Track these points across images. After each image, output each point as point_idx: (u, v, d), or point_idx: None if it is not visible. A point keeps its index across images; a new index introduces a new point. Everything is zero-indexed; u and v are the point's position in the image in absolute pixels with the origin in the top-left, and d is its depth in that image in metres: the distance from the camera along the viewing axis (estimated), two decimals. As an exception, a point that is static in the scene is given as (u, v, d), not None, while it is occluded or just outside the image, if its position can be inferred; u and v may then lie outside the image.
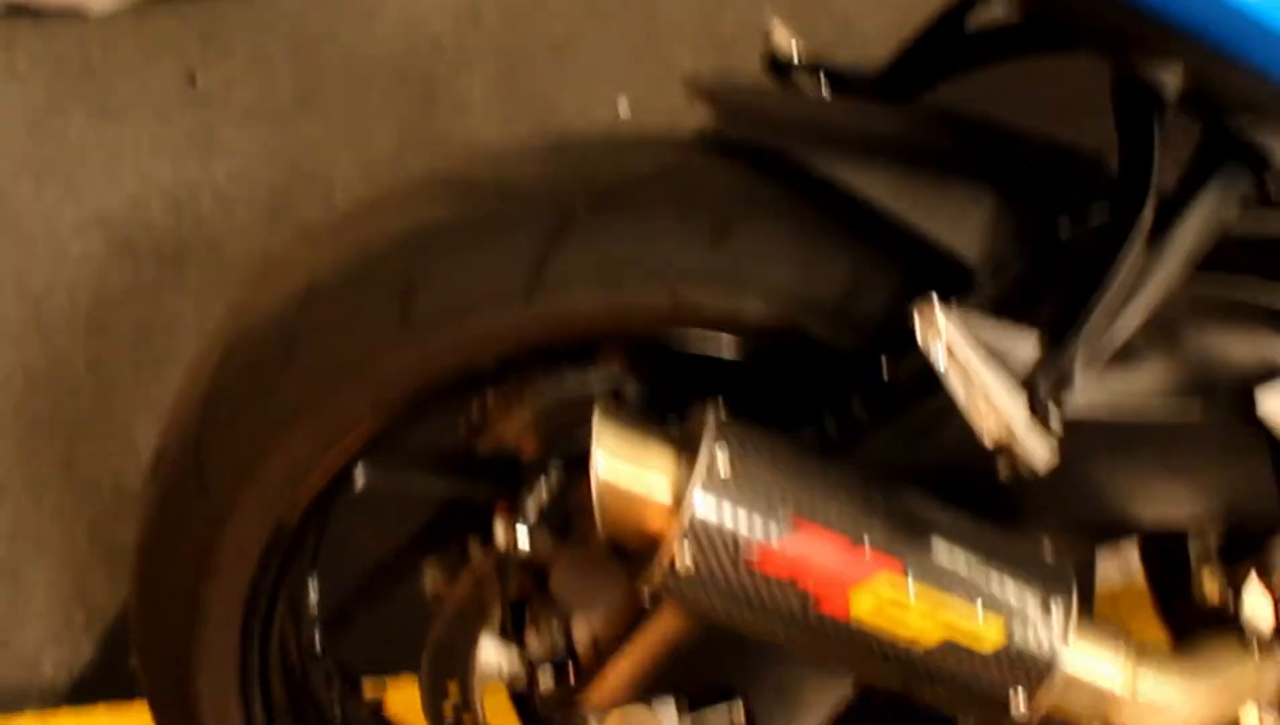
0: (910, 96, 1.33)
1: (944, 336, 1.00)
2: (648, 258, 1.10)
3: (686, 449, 1.04)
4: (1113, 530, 1.18)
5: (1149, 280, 1.04)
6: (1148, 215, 1.02)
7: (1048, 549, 1.11)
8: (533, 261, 1.10)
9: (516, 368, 1.17)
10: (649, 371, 1.19)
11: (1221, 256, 1.11)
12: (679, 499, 1.02)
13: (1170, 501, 1.15)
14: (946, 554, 1.06)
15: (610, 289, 1.10)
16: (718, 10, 2.55)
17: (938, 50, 1.30)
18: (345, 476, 1.19)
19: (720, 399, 1.10)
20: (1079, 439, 1.09)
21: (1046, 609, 1.06)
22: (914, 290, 1.09)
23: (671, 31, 2.52)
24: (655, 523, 1.02)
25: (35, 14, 2.58)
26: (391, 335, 1.11)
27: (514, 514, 1.14)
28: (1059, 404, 1.02)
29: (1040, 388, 1.02)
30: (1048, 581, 1.08)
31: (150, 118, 2.42)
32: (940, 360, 1.00)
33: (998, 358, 1.02)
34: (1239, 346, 1.12)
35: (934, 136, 1.15)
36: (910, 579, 1.04)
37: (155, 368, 2.04)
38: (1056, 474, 1.09)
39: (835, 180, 1.09)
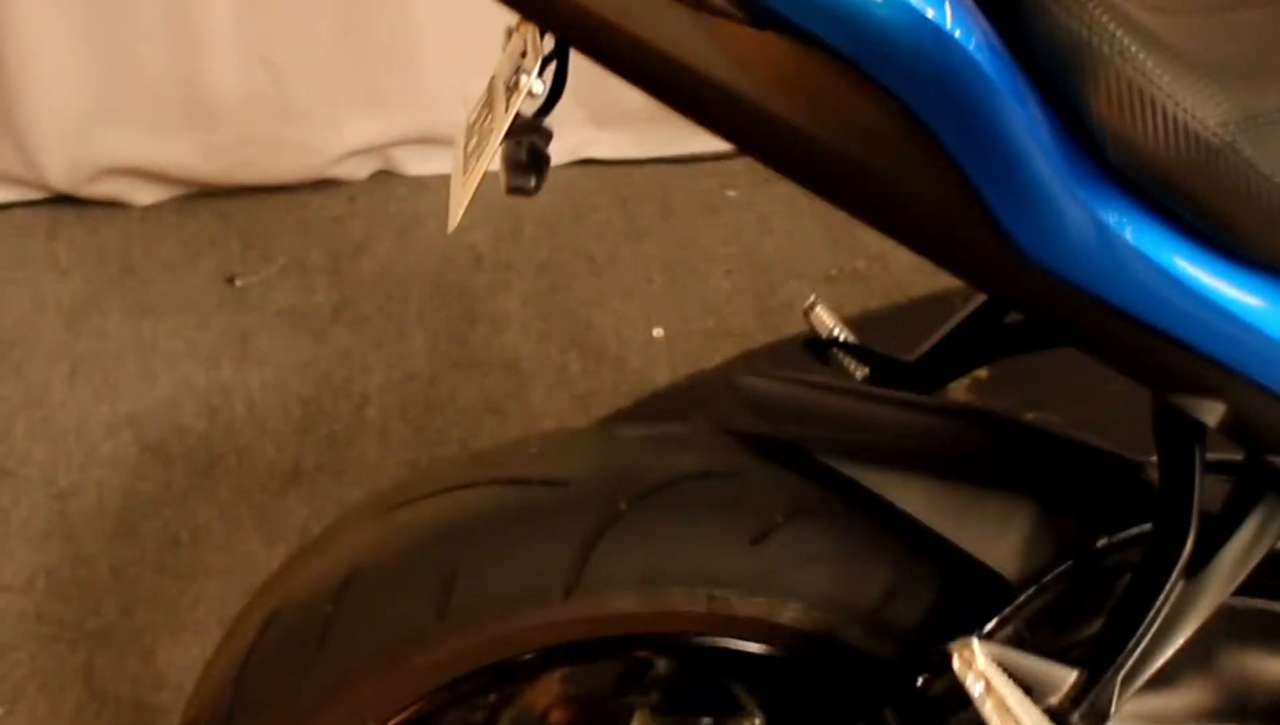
0: (945, 382, 1.35)
1: (982, 673, 1.01)
2: (687, 562, 1.11)
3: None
4: None
5: (1188, 611, 1.04)
6: (1189, 547, 1.03)
7: None
8: (574, 561, 1.10)
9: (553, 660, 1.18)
10: (687, 662, 1.19)
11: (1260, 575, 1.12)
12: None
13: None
14: None
15: (649, 592, 1.11)
16: (757, 237, 2.60)
17: (974, 338, 1.31)
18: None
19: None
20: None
21: None
22: (953, 600, 1.10)
23: (705, 255, 2.56)
24: None
25: (80, 203, 2.63)
26: (428, 628, 1.12)
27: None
28: None
29: (1070, 721, 1.03)
30: None
31: (188, 317, 2.45)
32: (975, 695, 1.01)
33: (1034, 689, 1.03)
34: (1275, 664, 1.12)
35: (969, 438, 1.16)
36: None
37: (179, 580, 2.04)
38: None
39: (873, 489, 1.10)
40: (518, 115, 0.98)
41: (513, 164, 0.98)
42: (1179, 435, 1.03)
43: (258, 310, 2.46)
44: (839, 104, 0.90)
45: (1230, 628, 1.11)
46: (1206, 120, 0.89)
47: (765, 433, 1.15)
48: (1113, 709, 1.02)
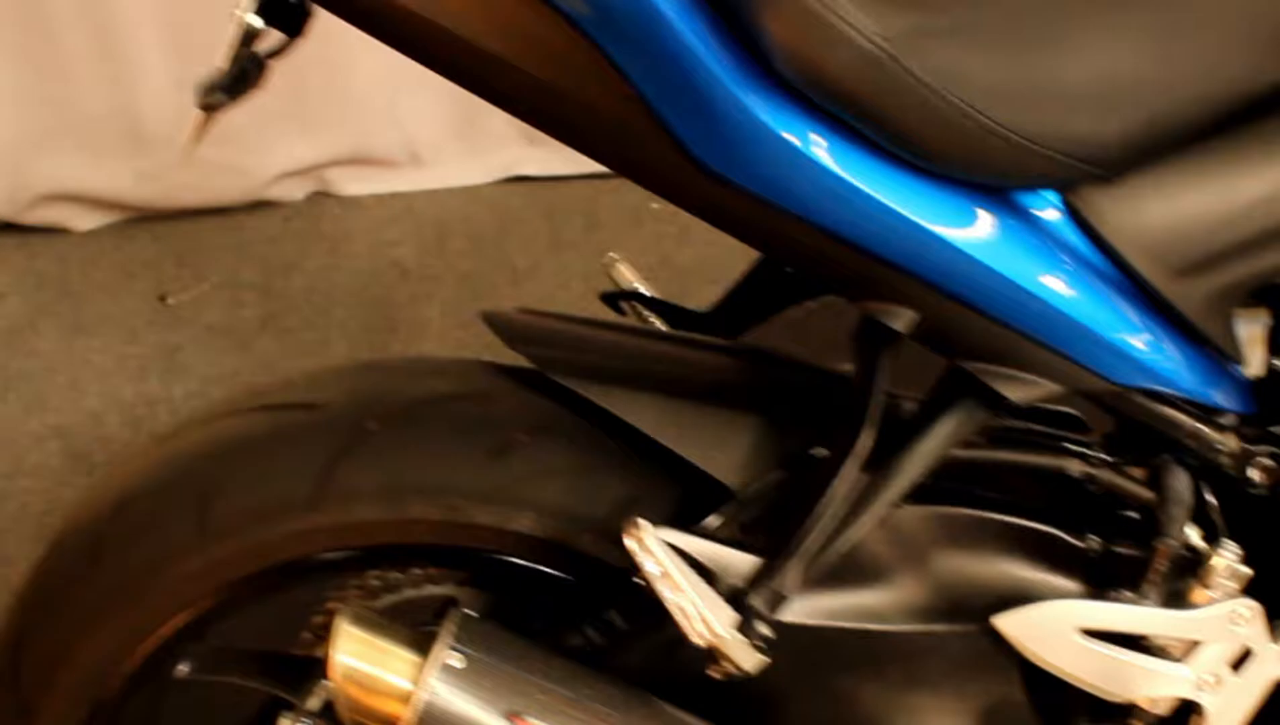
0: (740, 331, 1.39)
1: (651, 550, 1.05)
2: (428, 475, 1.16)
3: (424, 648, 1.08)
4: None
5: (867, 504, 1.08)
6: (863, 443, 1.07)
7: None
8: (320, 475, 1.15)
9: (354, 568, 1.22)
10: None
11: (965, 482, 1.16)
12: (413, 692, 1.07)
13: (923, 715, 1.18)
14: None
15: (390, 502, 1.15)
16: (676, 247, 2.64)
17: (763, 288, 1.35)
18: (165, 664, 1.23)
19: (460, 603, 1.15)
20: (824, 653, 1.14)
21: None
22: (680, 509, 1.14)
23: (627, 262, 2.60)
24: (391, 714, 1.07)
25: (20, 230, 2.71)
26: (189, 541, 1.17)
27: (297, 711, 1.17)
28: (769, 618, 1.07)
29: (750, 602, 1.07)
30: None
31: (120, 334, 2.52)
32: (649, 571, 1.05)
33: (713, 573, 1.08)
34: (983, 567, 1.15)
35: (703, 363, 1.20)
36: None
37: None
38: (805, 684, 1.16)
39: (607, 407, 1.14)
40: (242, 46, 1.05)
41: (213, 84, 1.04)
42: (872, 342, 1.07)
43: (188, 326, 2.52)
44: (527, 30, 0.95)
45: (942, 533, 1.14)
46: (867, 31, 0.93)
47: (519, 362, 1.19)
48: (789, 591, 1.06)
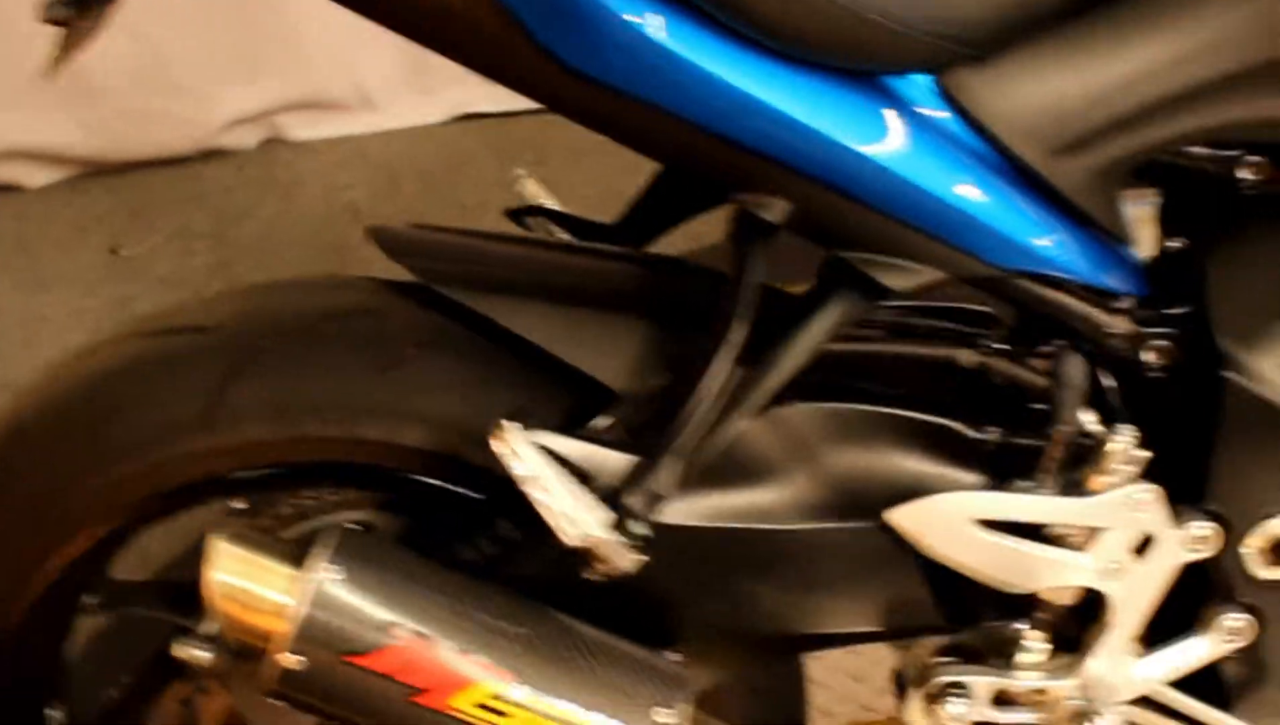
0: (644, 242, 1.37)
1: (516, 452, 1.04)
2: (320, 391, 1.14)
3: (302, 563, 1.07)
4: (787, 643, 1.20)
5: (744, 397, 1.06)
6: (734, 336, 1.05)
7: (668, 659, 1.14)
8: (212, 395, 1.14)
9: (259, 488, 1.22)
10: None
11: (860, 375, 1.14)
12: (288, 606, 1.06)
13: (823, 615, 1.16)
14: (555, 665, 1.09)
15: (283, 420, 1.14)
16: (620, 176, 2.61)
17: (667, 198, 1.33)
18: (68, 596, 1.22)
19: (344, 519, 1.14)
20: (717, 554, 1.13)
21: (656, 710, 1.10)
22: (570, 417, 1.12)
23: (569, 195, 2.58)
24: (269, 629, 1.06)
25: (-26, 189, 2.70)
26: (84, 464, 1.16)
27: (192, 635, 1.16)
28: (645, 517, 1.05)
29: (625, 502, 1.05)
30: (660, 690, 1.11)
31: (74, 289, 2.51)
32: (516, 473, 1.04)
33: (587, 474, 1.07)
34: (877, 462, 1.14)
35: (592, 271, 1.19)
36: (514, 688, 1.08)
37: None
38: (700, 586, 1.15)
39: (492, 317, 1.13)
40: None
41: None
42: (748, 234, 1.05)
43: (141, 278, 2.51)
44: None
45: (834, 429, 1.12)
46: None
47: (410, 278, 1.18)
48: (666, 491, 1.04)
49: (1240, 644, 1.18)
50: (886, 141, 1.02)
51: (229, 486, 1.22)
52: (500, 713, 1.07)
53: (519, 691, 1.07)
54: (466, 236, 1.21)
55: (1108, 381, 1.15)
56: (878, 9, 0.97)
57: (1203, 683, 1.21)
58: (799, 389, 1.12)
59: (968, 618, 1.19)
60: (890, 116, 1.02)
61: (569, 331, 1.12)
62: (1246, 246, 1.13)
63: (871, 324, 1.18)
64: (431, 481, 1.18)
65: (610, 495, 1.05)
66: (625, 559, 1.04)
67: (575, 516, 1.03)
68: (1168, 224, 1.15)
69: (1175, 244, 1.14)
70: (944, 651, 1.22)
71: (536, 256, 1.20)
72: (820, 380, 1.14)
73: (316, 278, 1.29)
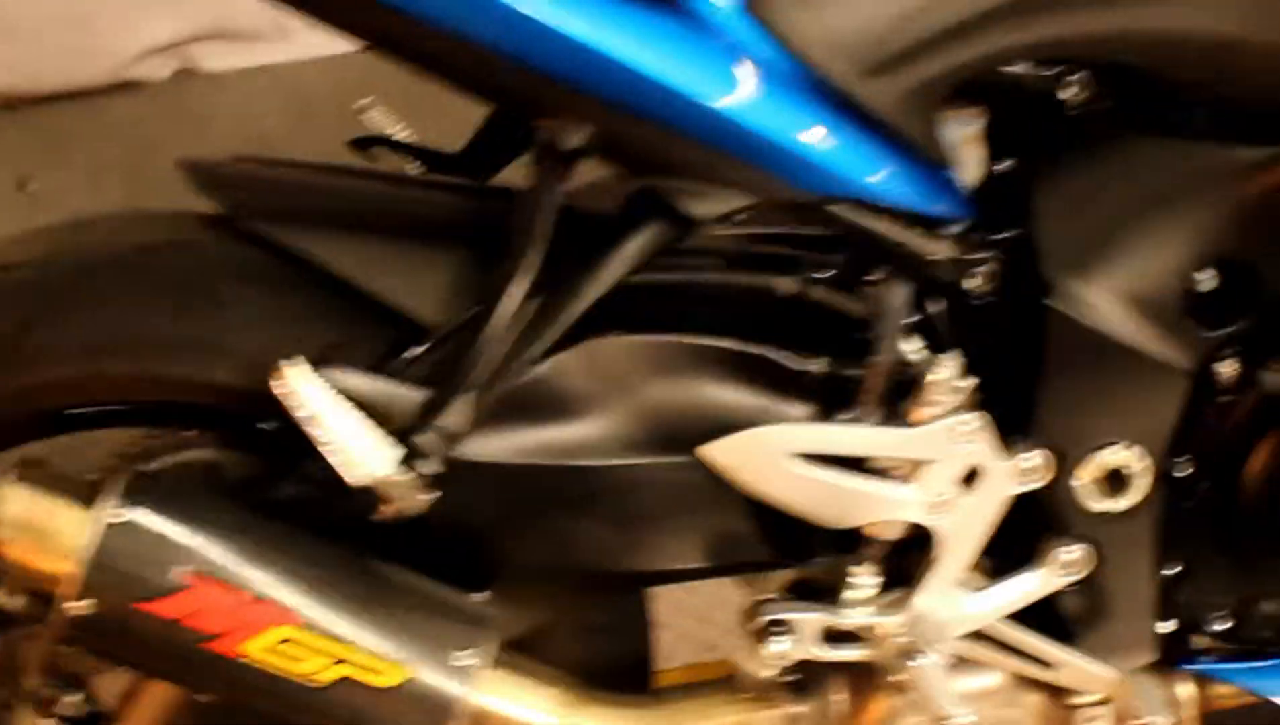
0: (492, 172, 1.33)
1: (298, 394, 1.01)
2: (124, 329, 1.11)
3: (92, 505, 1.05)
4: (613, 581, 1.17)
5: (539, 330, 1.03)
6: (527, 265, 1.01)
7: (473, 601, 1.12)
8: (13, 336, 1.11)
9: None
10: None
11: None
12: (76, 549, 1.03)
13: (648, 552, 1.14)
14: (350, 609, 1.07)
15: (86, 359, 1.11)
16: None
17: (511, 126, 1.30)
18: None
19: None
20: (530, 490, 1.10)
21: (454, 653, 1.08)
22: (385, 352, 1.09)
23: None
24: (57, 572, 1.04)
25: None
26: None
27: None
28: (437, 454, 1.02)
29: (415, 440, 1.02)
30: (461, 632, 1.09)
31: (-20, 224, 2.46)
32: (298, 415, 1.01)
33: (382, 411, 1.04)
34: (695, 395, 1.10)
35: (408, 201, 1.15)
36: (307, 632, 1.05)
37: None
38: (517, 524, 1.12)
39: (303, 251, 1.09)
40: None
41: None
42: (550, 160, 1.02)
43: (50, 212, 2.43)
44: None
45: (649, 362, 1.09)
46: None
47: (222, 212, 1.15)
48: (460, 427, 1.01)
49: (1077, 577, 1.15)
50: (687, 65, 0.99)
51: (63, 422, 1.18)
52: (294, 657, 1.04)
53: (312, 635, 1.04)
54: (290, 169, 1.18)
55: (935, 309, 1.11)
56: None
57: (1046, 616, 1.18)
58: (615, 320, 1.09)
59: (799, 553, 1.16)
60: (691, 39, 0.99)
61: (386, 265, 1.09)
62: (1072, 169, 1.09)
63: (701, 251, 1.14)
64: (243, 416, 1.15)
65: (403, 433, 1.01)
66: (414, 498, 1.01)
67: (357, 456, 1.00)
68: (996, 145, 1.11)
69: (1004, 166, 1.10)
70: (790, 588, 1.20)
71: (361, 189, 1.17)
72: (638, 311, 1.10)
73: (135, 212, 1.27)
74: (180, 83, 2.69)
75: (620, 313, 1.09)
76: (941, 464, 1.09)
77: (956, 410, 1.09)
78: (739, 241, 1.14)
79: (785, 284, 1.11)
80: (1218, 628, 1.21)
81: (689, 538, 1.14)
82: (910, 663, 1.12)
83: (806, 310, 1.11)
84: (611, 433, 1.09)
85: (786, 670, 1.16)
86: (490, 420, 1.07)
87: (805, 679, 1.19)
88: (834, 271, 1.12)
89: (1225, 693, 1.26)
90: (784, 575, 1.20)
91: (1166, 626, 1.21)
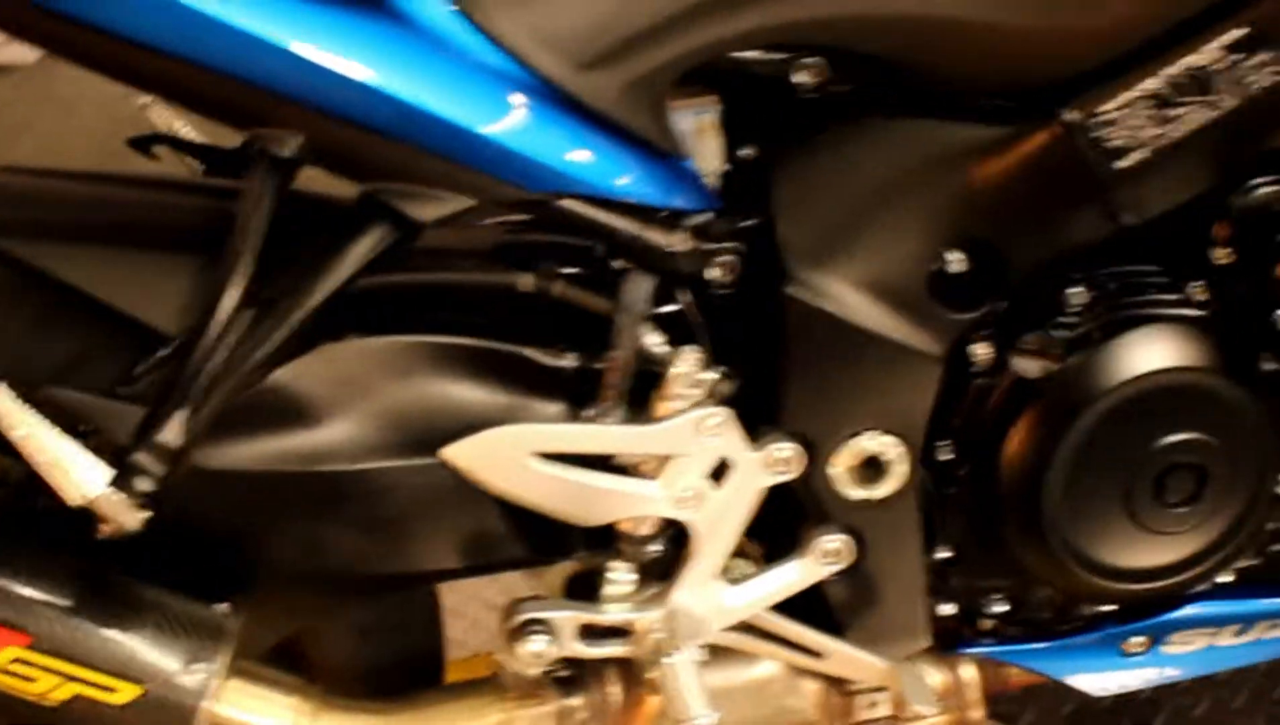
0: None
1: (9, 416, 0.98)
2: None
3: None
4: (375, 583, 1.16)
5: (265, 339, 1.01)
6: (240, 275, 1.00)
7: (212, 612, 1.09)
8: None
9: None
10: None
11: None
12: None
13: (404, 553, 1.12)
14: (78, 626, 1.05)
15: None
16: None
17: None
18: None
19: None
20: (274, 498, 1.08)
21: (190, 665, 1.06)
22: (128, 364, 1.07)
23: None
24: None
25: None
26: None
27: None
28: (154, 472, 1.00)
29: (132, 458, 1.00)
30: (200, 640, 1.07)
31: None
32: (14, 437, 0.98)
33: (94, 428, 1.02)
34: (441, 396, 1.09)
35: (153, 208, 1.13)
36: (35, 652, 1.03)
37: None
38: (266, 531, 1.09)
39: (39, 264, 1.07)
40: None
41: None
42: (270, 169, 0.99)
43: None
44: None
45: (393, 364, 1.07)
46: None
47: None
48: (176, 440, 0.99)
49: (840, 566, 1.13)
50: (398, 70, 0.97)
51: None
52: (26, 677, 1.03)
53: (41, 655, 1.03)
54: (38, 179, 1.15)
55: (680, 302, 1.09)
56: None
57: (816, 606, 1.17)
58: (355, 323, 1.07)
59: (558, 550, 1.14)
60: (399, 43, 0.97)
61: (129, 276, 1.07)
62: (810, 155, 1.07)
63: (445, 251, 1.12)
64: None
65: (119, 451, 0.99)
66: (130, 517, 0.99)
67: (70, 476, 0.98)
68: (735, 133, 1.08)
69: (745, 154, 1.08)
70: (569, 582, 1.18)
71: (117, 197, 1.15)
72: (378, 313, 1.09)
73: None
74: (48, 67, 2.66)
75: (360, 315, 1.07)
76: (688, 458, 1.07)
77: (701, 403, 1.06)
78: (489, 238, 1.12)
79: (526, 281, 1.09)
80: (995, 611, 1.20)
81: (444, 539, 1.12)
82: (664, 659, 1.10)
83: (550, 307, 1.09)
84: (354, 437, 1.07)
85: (560, 665, 1.14)
86: (232, 428, 1.05)
87: (579, 674, 1.17)
88: (578, 267, 1.09)
89: (1015, 675, 1.25)
90: (566, 568, 1.19)
91: (946, 610, 1.19)
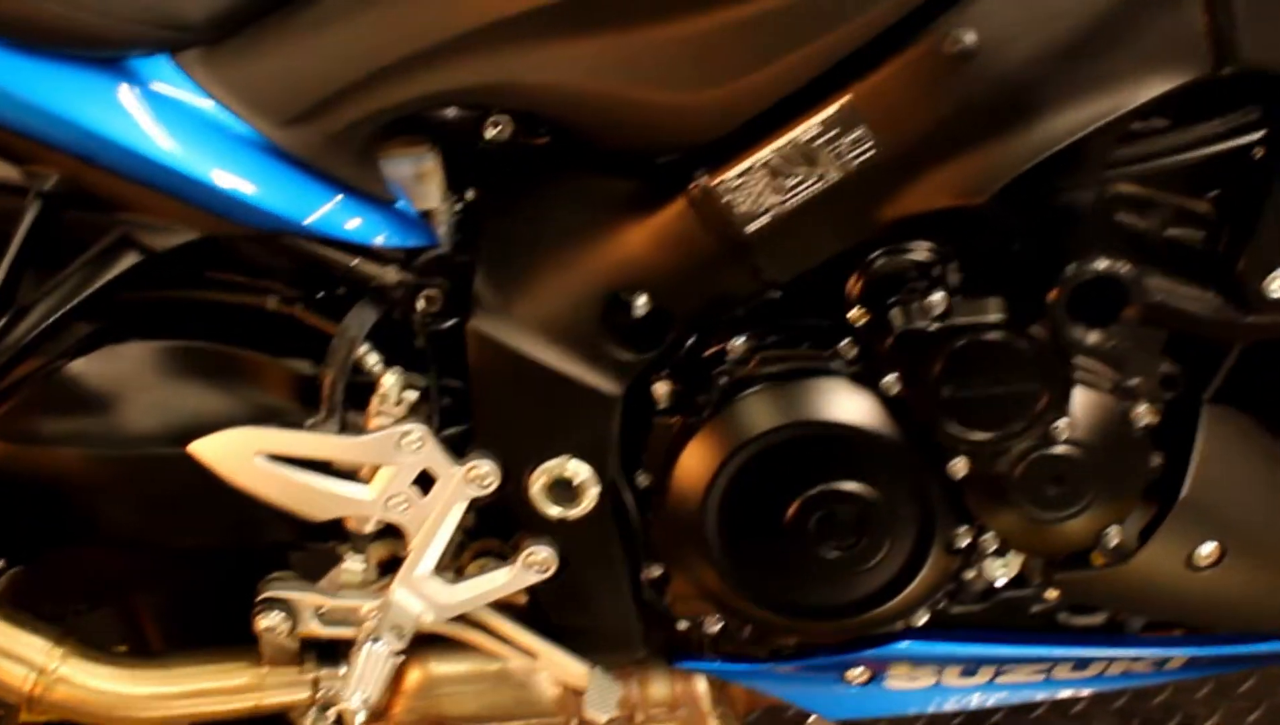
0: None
1: None
2: None
3: None
4: (161, 561, 1.35)
5: (18, 339, 1.19)
6: None
7: None
8: None
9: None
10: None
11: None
12: None
13: (185, 531, 1.29)
14: None
15: None
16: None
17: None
18: None
19: None
20: (54, 471, 1.26)
21: None
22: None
23: None
24: None
25: None
26: None
27: None
28: None
29: None
30: None
31: None
32: None
33: None
34: (197, 395, 1.24)
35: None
36: None
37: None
38: (45, 502, 1.28)
39: None
40: None
41: None
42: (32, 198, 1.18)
43: None
44: None
45: (160, 365, 1.24)
46: None
47: None
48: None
49: (546, 575, 1.25)
50: (129, 122, 1.12)
51: None
52: None
53: None
54: None
55: (396, 327, 1.22)
56: (90, 6, 1.09)
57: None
58: (139, 329, 1.25)
59: (317, 535, 1.29)
60: (126, 96, 1.12)
61: None
62: (507, 200, 1.19)
63: (221, 269, 1.28)
64: None
65: None
66: None
67: None
68: (452, 178, 1.21)
69: (457, 198, 1.21)
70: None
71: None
72: (159, 321, 1.26)
73: None
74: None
75: (143, 322, 1.25)
76: (394, 468, 1.21)
77: (403, 420, 1.20)
78: (261, 260, 1.28)
79: (272, 301, 1.24)
80: (710, 630, 1.29)
81: (213, 519, 1.28)
82: (370, 645, 1.24)
83: (293, 324, 1.24)
84: (130, 425, 1.24)
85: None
86: (29, 409, 1.24)
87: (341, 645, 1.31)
88: (318, 291, 1.24)
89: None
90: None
91: (681, 625, 1.29)
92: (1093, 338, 1.09)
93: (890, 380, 1.15)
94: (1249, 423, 1.20)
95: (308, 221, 1.16)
